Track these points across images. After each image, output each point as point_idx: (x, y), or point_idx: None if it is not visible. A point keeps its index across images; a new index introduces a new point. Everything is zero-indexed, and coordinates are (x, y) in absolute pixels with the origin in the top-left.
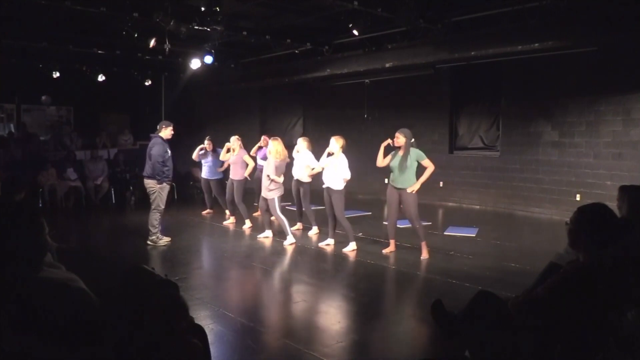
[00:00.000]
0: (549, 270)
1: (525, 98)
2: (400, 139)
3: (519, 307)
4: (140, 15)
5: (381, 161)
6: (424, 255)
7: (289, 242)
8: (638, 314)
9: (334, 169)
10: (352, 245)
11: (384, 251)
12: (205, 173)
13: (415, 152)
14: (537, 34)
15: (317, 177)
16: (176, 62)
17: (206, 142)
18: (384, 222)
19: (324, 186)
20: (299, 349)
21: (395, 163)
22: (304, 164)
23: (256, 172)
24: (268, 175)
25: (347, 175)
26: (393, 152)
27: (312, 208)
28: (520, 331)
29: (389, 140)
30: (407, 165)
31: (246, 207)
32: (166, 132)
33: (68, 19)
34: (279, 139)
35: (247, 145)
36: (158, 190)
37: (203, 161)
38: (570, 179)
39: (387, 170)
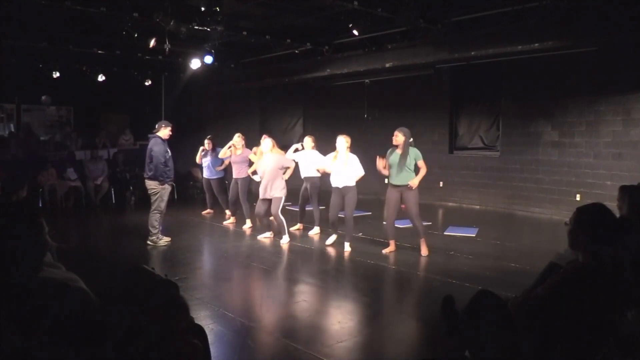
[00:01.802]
0: (549, 270)
1: (525, 98)
2: (399, 137)
3: (519, 307)
4: (140, 15)
5: (382, 168)
6: (424, 252)
7: (286, 241)
8: (638, 314)
9: (345, 167)
10: (333, 238)
11: (384, 251)
12: (206, 173)
13: (414, 151)
14: (537, 34)
15: (325, 177)
16: (176, 62)
17: (206, 142)
18: (384, 222)
19: (335, 186)
20: (299, 349)
21: (394, 161)
22: (312, 161)
23: None
24: (283, 170)
25: (362, 172)
26: (390, 150)
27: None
28: (520, 331)
29: (383, 161)
30: (407, 163)
31: (249, 206)
32: (164, 132)
33: (68, 19)
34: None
35: (247, 145)
36: (160, 191)
37: (203, 161)
38: (570, 179)
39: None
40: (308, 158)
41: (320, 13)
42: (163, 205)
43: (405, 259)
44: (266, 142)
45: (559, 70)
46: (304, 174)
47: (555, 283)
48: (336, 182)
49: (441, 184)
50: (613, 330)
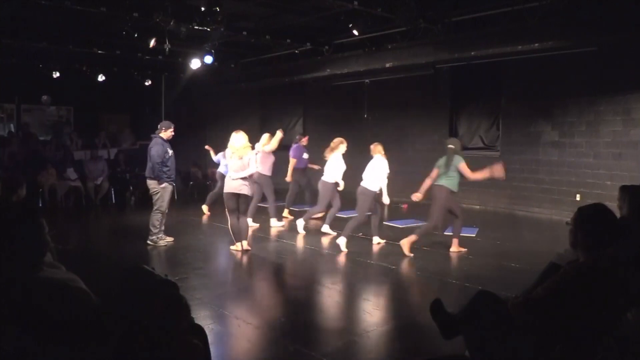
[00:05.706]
0: (549, 270)
1: (525, 98)
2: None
3: (518, 307)
4: (140, 15)
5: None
6: (407, 250)
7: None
8: (638, 314)
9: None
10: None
11: (407, 253)
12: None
13: (457, 159)
14: (537, 34)
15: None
16: (176, 62)
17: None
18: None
19: (375, 190)
20: (299, 349)
21: (441, 162)
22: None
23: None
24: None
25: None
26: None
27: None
28: (520, 331)
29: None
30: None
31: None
32: (167, 134)
33: (68, 19)
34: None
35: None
36: (160, 190)
37: (222, 161)
38: (570, 179)
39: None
40: (339, 162)
41: (320, 13)
42: (165, 205)
43: (405, 259)
44: (238, 137)
45: (559, 70)
46: (334, 178)
47: (555, 283)
48: (375, 186)
49: None
50: (613, 330)
